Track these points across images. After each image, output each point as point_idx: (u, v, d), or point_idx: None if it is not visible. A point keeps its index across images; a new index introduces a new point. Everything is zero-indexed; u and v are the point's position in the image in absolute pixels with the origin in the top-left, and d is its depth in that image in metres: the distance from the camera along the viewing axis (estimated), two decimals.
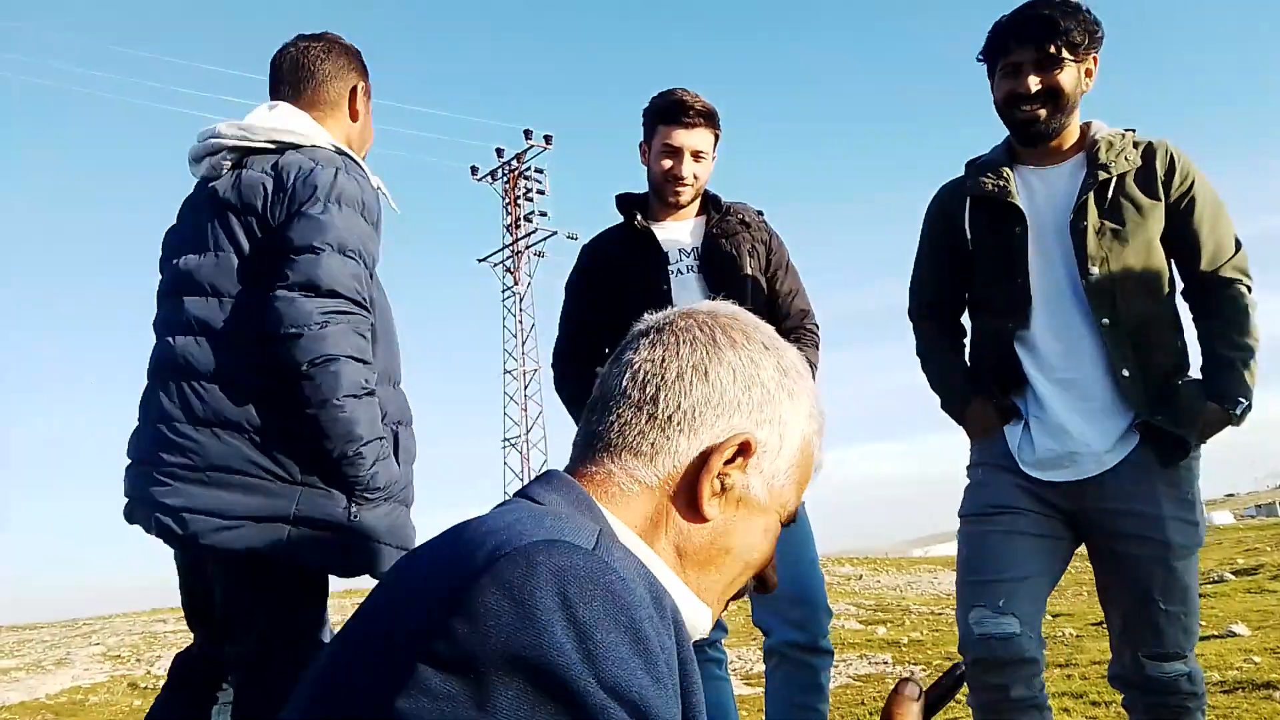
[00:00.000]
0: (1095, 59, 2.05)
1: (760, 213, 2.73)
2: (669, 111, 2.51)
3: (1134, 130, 2.10)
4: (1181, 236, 2.05)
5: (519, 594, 0.59)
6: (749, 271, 2.56)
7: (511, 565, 0.61)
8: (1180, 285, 2.13)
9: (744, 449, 0.80)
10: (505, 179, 34.37)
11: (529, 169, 33.98)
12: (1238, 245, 2.09)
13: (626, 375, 0.83)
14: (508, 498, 0.82)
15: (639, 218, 2.61)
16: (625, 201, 2.68)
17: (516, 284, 33.67)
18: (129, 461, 1.98)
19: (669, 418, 0.80)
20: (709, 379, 0.81)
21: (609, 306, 2.55)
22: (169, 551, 2.06)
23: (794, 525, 2.40)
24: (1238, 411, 1.99)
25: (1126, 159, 2.02)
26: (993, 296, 2.14)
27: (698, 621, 0.80)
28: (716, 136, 2.59)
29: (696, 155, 2.52)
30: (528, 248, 33.75)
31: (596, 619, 0.60)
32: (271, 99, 2.10)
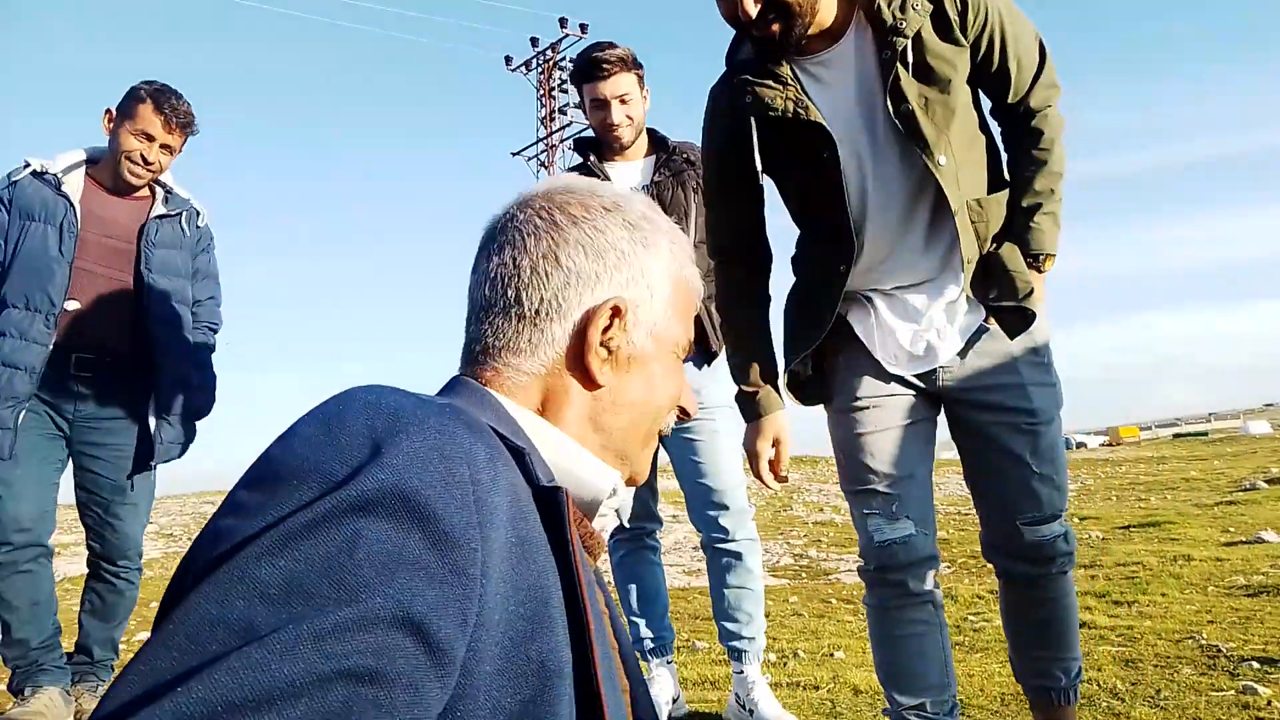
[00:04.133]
0: None
1: None
2: (586, 70, 2.74)
3: None
4: (990, 75, 1.79)
5: (330, 419, 0.60)
6: (694, 207, 2.74)
7: (334, 399, 0.63)
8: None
9: (616, 313, 0.82)
10: (540, 70, 33.64)
11: (564, 59, 33.18)
12: (1041, 60, 1.81)
13: (485, 284, 0.85)
14: None
15: (593, 159, 2.82)
16: (582, 145, 2.90)
17: None
18: None
19: (537, 311, 0.82)
20: (561, 263, 0.82)
21: None
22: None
23: (709, 447, 2.72)
24: (1041, 268, 1.87)
25: (915, 9, 1.68)
26: (815, 225, 1.92)
27: (603, 483, 0.82)
28: (639, 76, 2.78)
29: (622, 100, 2.73)
30: (561, 141, 33.26)
31: (398, 444, 0.57)
32: None
